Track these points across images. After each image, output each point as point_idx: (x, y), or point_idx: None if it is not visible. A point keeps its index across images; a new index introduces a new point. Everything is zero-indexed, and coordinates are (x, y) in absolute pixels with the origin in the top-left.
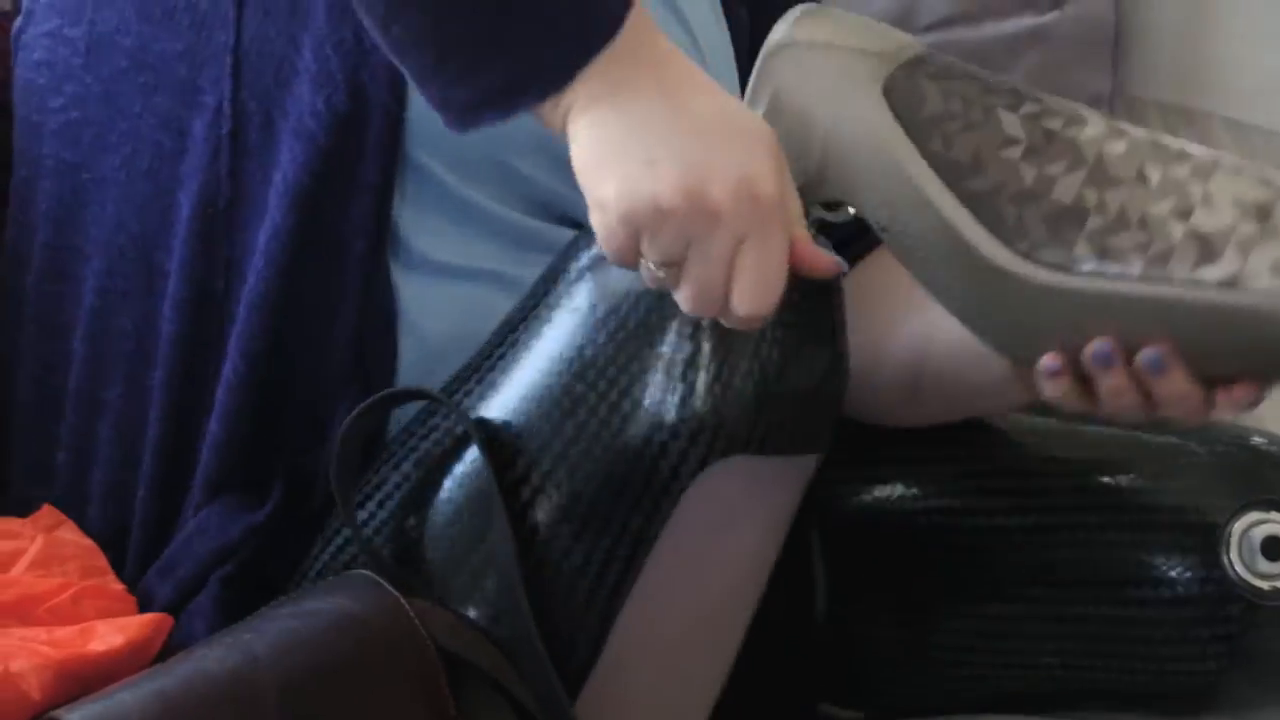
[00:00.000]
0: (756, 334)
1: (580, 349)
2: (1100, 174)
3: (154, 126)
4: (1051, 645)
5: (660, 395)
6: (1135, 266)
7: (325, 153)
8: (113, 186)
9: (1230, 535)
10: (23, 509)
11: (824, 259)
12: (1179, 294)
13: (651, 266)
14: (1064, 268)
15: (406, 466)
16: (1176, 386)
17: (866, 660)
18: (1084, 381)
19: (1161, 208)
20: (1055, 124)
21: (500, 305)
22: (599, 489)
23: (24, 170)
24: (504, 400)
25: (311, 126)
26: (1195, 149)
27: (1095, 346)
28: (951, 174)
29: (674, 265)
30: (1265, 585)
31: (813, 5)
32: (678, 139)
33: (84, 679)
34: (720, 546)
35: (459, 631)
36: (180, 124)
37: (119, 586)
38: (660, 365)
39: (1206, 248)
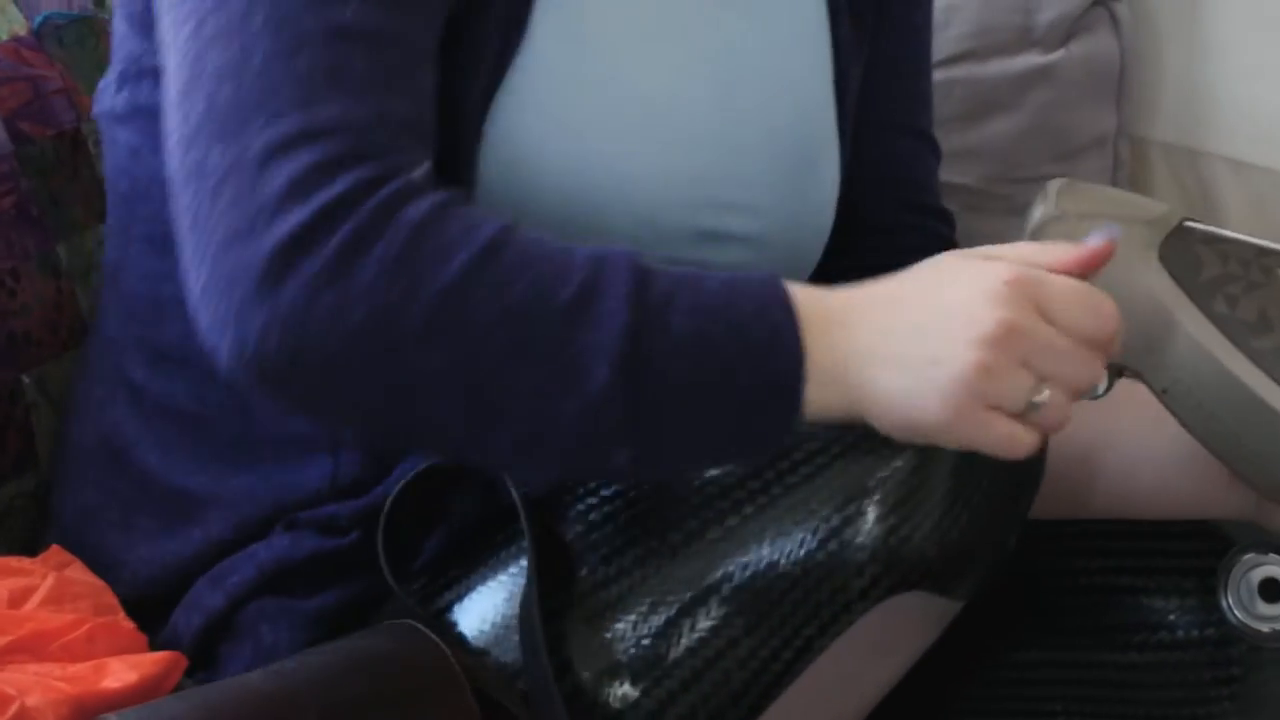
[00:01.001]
0: (974, 483)
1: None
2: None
3: None
4: (1058, 692)
5: (874, 521)
6: None
7: None
8: None
9: (1228, 578)
10: (78, 549)
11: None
12: None
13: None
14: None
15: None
16: None
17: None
18: None
19: None
20: None
21: None
22: (786, 591)
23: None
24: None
25: None
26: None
27: None
28: (1239, 334)
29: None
30: (1265, 628)
31: (1067, 179)
32: (929, 326)
33: (99, 715)
34: (873, 670)
35: (497, 682)
36: None
37: (130, 624)
38: (880, 490)
39: None
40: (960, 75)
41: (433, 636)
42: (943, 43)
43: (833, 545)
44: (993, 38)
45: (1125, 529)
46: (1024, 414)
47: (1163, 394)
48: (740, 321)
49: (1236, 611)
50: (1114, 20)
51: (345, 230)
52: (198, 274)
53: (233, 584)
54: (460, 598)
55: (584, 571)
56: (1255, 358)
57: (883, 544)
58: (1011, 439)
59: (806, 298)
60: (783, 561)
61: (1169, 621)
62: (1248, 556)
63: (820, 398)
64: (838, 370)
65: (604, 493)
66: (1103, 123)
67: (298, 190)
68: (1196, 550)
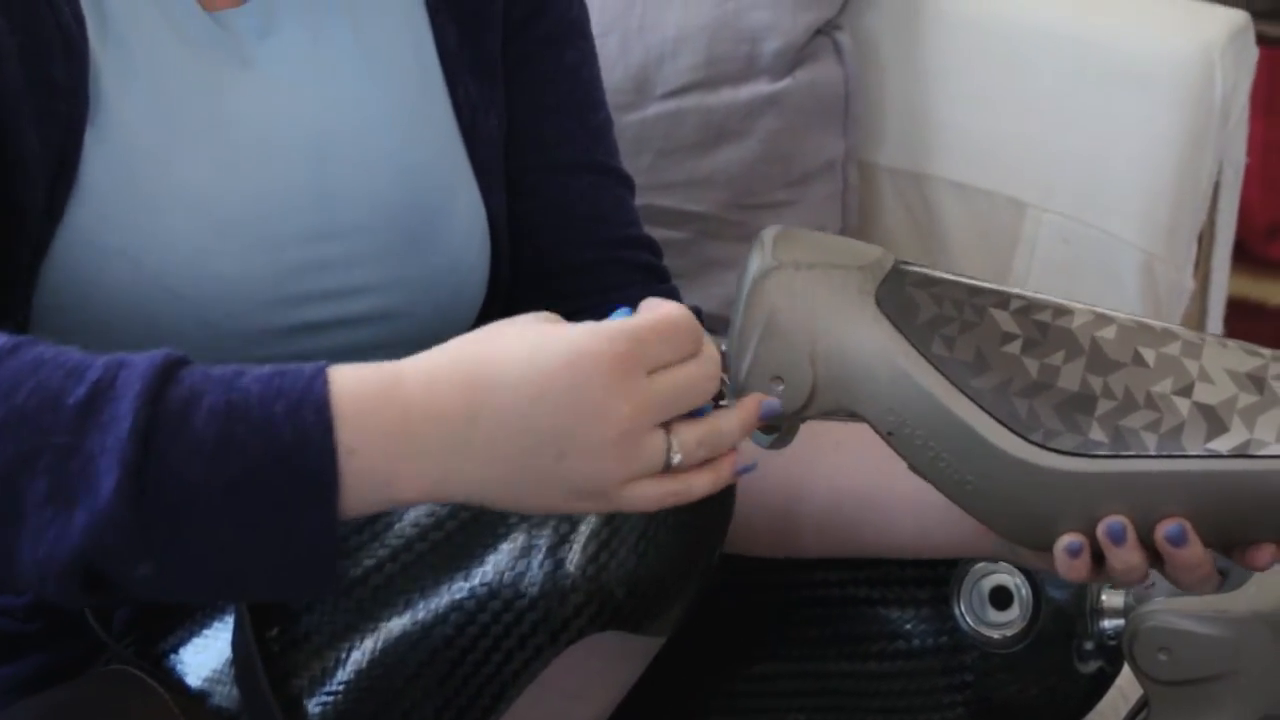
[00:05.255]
0: (660, 522)
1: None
2: (1099, 359)
3: None
4: (797, 703)
5: (563, 560)
6: (1150, 444)
7: None
8: None
9: (959, 587)
10: None
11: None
12: (1196, 467)
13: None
14: (1082, 453)
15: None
16: (1193, 554)
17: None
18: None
19: (1164, 386)
20: (1045, 316)
21: None
22: (478, 635)
23: None
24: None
25: None
26: (1177, 328)
27: (1110, 524)
28: (957, 375)
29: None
30: (995, 634)
31: (780, 227)
32: (537, 419)
33: None
34: (569, 713)
35: None
36: None
37: None
38: (578, 526)
39: (1214, 420)
40: (691, 105)
41: (150, 681)
42: (673, 74)
43: (524, 586)
44: (721, 68)
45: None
46: (672, 469)
47: (889, 436)
48: (266, 422)
49: (969, 619)
50: (837, 48)
51: None
52: None
53: None
54: (176, 646)
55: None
56: (975, 397)
57: (583, 576)
58: (676, 494)
59: (362, 390)
60: (479, 591)
61: (905, 631)
62: (978, 566)
63: (384, 501)
64: (400, 479)
65: None
66: (830, 148)
67: None
68: (930, 561)
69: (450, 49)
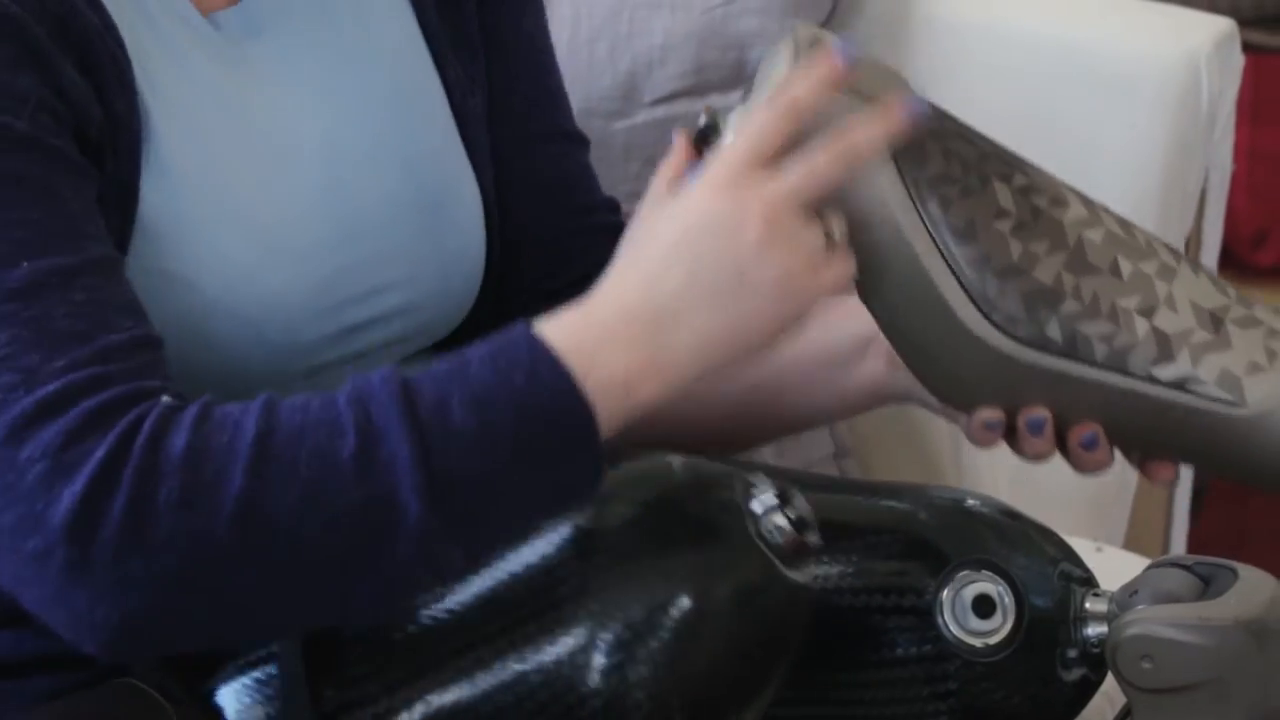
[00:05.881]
0: (720, 634)
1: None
2: (1079, 260)
3: None
4: (785, 711)
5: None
6: (1099, 354)
7: None
8: None
9: (943, 595)
10: None
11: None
12: (1132, 387)
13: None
14: (1034, 344)
15: None
16: (1102, 459)
17: None
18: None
19: (1130, 302)
20: (1042, 201)
21: None
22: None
23: None
24: None
25: None
26: (1159, 244)
27: (1033, 416)
28: (944, 238)
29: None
30: (979, 643)
31: (817, 30)
32: (701, 258)
33: None
34: None
35: None
36: None
37: None
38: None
39: (1164, 348)
40: (680, 112)
41: (155, 695)
42: (661, 81)
43: (593, 676)
44: (709, 75)
45: (845, 548)
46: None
47: (860, 274)
48: (515, 397)
49: (952, 627)
50: None
51: (123, 488)
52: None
53: None
54: (218, 685)
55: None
56: (953, 264)
57: (644, 681)
58: (839, 275)
59: (565, 332)
60: (532, 679)
61: (887, 640)
62: (963, 573)
63: (629, 409)
64: (635, 378)
65: None
66: None
67: (58, 464)
68: (914, 569)
69: (434, 29)
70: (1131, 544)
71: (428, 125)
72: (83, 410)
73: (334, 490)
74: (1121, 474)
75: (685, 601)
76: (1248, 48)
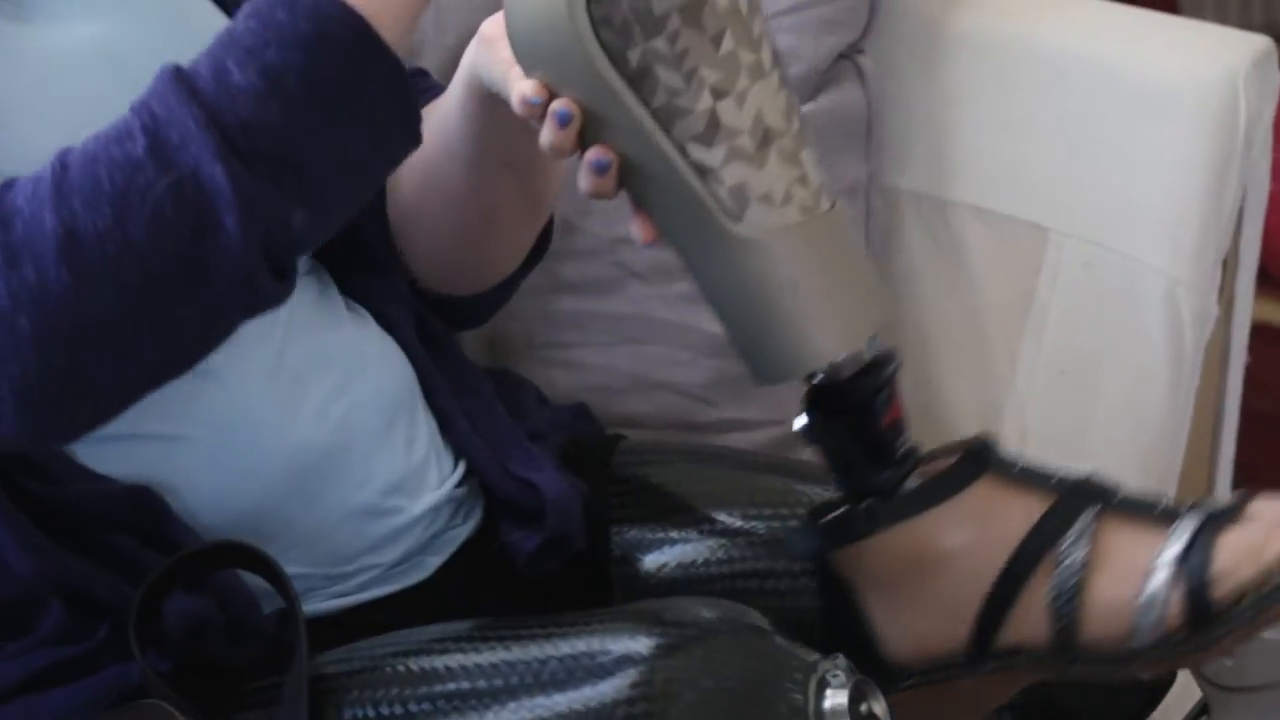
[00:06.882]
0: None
1: None
2: (695, 13)
3: None
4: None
5: None
6: (655, 100)
7: None
8: None
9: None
10: None
11: None
12: (661, 146)
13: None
14: (610, 55)
15: None
16: (603, 186)
17: None
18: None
19: (709, 75)
20: None
21: None
22: None
23: None
24: None
25: None
26: (769, 44)
27: (563, 110)
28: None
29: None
30: None
31: None
32: None
33: None
34: None
35: None
36: None
37: None
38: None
39: (710, 133)
40: None
41: (179, 717)
42: None
43: None
44: None
45: None
46: None
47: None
48: (282, 34)
49: None
50: (860, 73)
51: None
52: None
53: None
54: None
55: None
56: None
57: None
58: None
59: None
60: None
61: None
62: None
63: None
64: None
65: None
66: (853, 173)
67: None
68: None
69: None
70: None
71: (204, 30)
72: None
73: (142, 188)
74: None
75: None
76: None
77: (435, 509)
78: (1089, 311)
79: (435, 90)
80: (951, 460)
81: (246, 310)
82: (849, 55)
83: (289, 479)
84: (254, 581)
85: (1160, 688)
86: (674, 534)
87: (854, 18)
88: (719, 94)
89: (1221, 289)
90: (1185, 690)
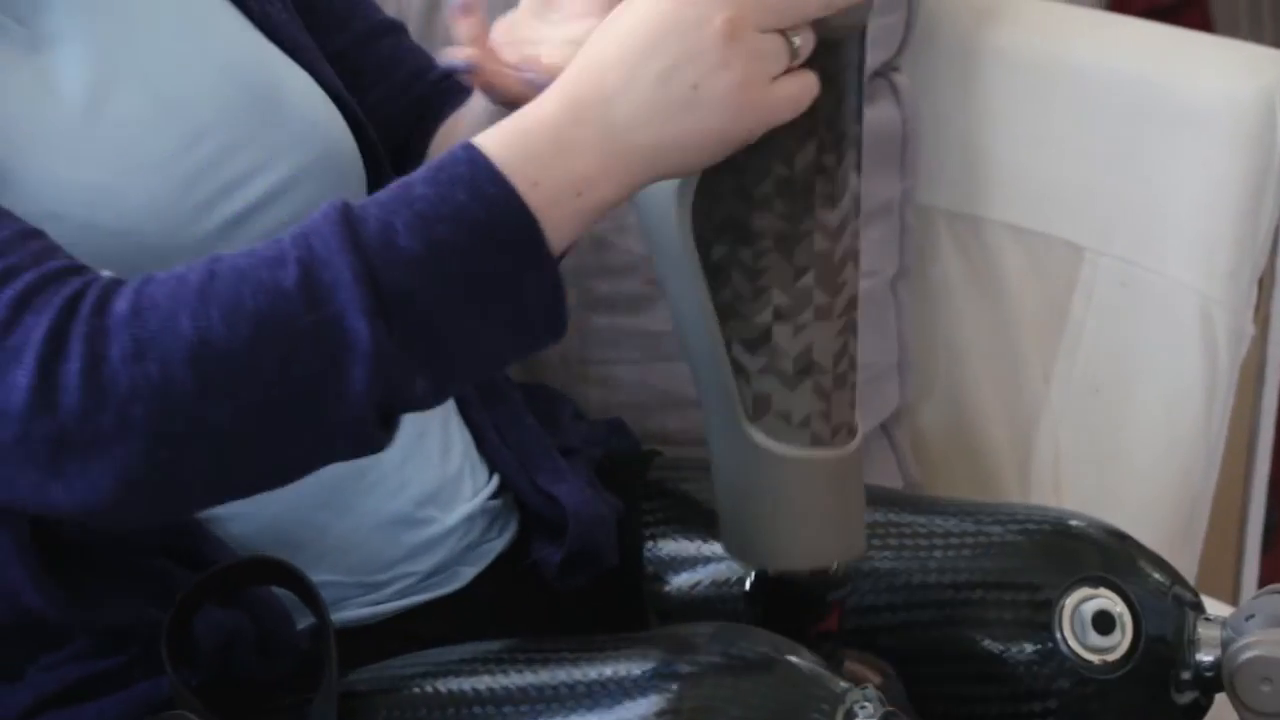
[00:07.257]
0: None
1: None
2: (788, 244)
3: None
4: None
5: None
6: (722, 296)
7: None
8: None
9: (1062, 611)
10: None
11: None
12: (712, 332)
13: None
14: (700, 241)
15: None
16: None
17: None
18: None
19: (778, 298)
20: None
21: None
22: None
23: None
24: None
25: None
26: (847, 292)
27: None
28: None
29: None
30: (1095, 659)
31: None
32: (653, 60)
33: None
34: None
35: None
36: None
37: None
38: None
39: (758, 344)
40: None
41: None
42: None
43: None
44: None
45: (958, 544)
46: (791, 64)
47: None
48: (458, 213)
49: (1070, 643)
50: (895, 90)
51: (73, 354)
52: None
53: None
54: None
55: None
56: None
57: None
58: (797, 93)
59: (507, 142)
60: None
61: (1004, 655)
62: (1081, 590)
63: (582, 214)
64: (585, 183)
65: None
66: (888, 190)
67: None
68: (1031, 584)
69: None
70: (1202, 584)
71: (229, 38)
72: (3, 301)
73: (284, 318)
74: (1191, 513)
75: None
76: None
77: (469, 520)
78: (1123, 330)
79: (467, 92)
80: None
81: (348, 453)
82: (884, 73)
83: (320, 488)
84: (287, 596)
85: (1197, 712)
86: (707, 551)
87: (889, 36)
88: (780, 316)
89: (1257, 308)
90: (1221, 715)
